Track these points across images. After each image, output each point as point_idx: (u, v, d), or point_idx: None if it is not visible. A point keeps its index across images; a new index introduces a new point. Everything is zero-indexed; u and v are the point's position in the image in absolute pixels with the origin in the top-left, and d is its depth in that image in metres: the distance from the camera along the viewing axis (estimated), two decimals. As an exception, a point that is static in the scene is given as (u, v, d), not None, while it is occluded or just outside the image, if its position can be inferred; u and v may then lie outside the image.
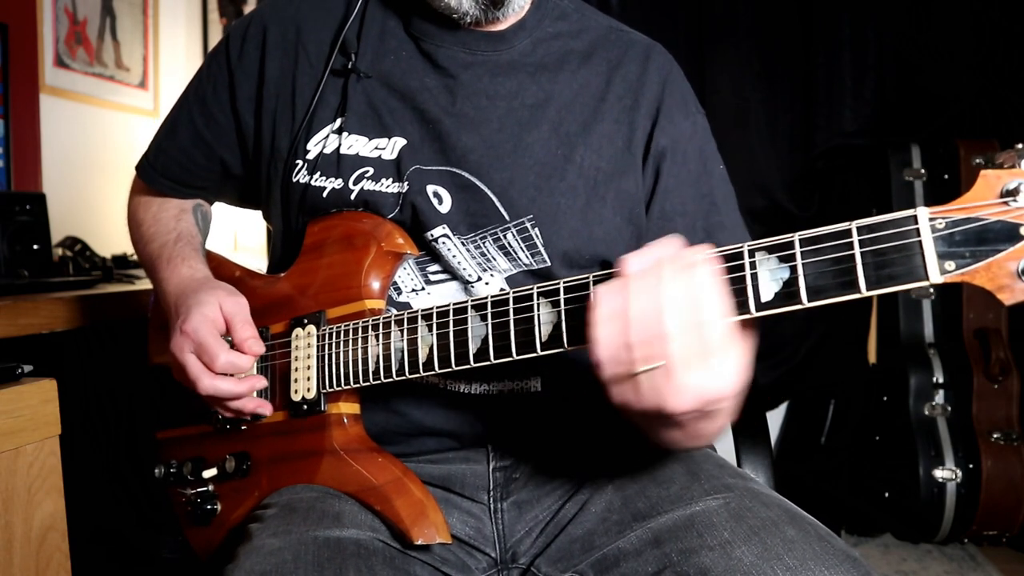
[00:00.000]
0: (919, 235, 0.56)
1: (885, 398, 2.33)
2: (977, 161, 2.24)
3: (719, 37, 2.49)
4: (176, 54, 2.80)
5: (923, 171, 2.33)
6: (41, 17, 2.19)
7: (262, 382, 0.90)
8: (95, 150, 2.40)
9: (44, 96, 2.19)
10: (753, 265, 0.62)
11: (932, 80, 2.39)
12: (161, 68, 2.71)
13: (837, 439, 2.48)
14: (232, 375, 0.89)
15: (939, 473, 2.17)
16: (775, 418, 2.63)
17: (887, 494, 2.27)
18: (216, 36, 2.84)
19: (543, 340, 0.72)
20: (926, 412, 2.23)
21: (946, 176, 2.29)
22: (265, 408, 0.91)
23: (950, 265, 0.56)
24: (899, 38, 2.42)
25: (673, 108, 0.95)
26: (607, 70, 0.96)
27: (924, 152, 2.34)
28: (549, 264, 0.90)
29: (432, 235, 0.90)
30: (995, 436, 2.14)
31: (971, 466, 2.15)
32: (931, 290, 2.26)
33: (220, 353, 0.86)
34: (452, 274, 0.91)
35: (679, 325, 0.59)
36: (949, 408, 2.22)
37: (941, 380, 2.24)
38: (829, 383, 2.54)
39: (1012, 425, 2.16)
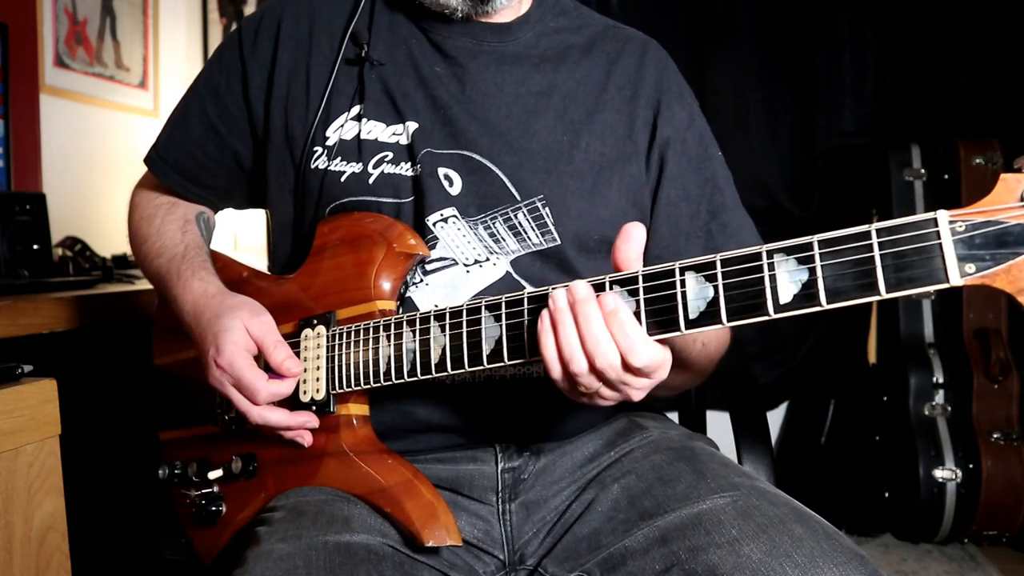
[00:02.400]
0: (939, 238, 0.56)
1: (885, 398, 2.33)
2: (977, 161, 2.25)
3: (719, 37, 2.50)
4: (176, 54, 2.80)
5: (923, 171, 2.34)
6: (41, 17, 2.19)
7: (313, 420, 0.88)
8: (95, 150, 2.39)
9: (44, 96, 2.19)
10: (772, 267, 0.62)
11: (932, 80, 2.39)
12: (161, 68, 2.71)
13: (837, 439, 2.48)
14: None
15: (939, 473, 2.17)
16: (775, 418, 2.64)
17: (887, 494, 2.27)
18: (216, 36, 2.84)
19: None
20: (926, 412, 2.23)
21: (946, 176, 2.29)
22: (305, 439, 0.89)
23: (970, 268, 0.56)
24: (899, 38, 2.43)
25: (672, 99, 0.99)
26: (606, 63, 1.00)
27: (924, 152, 2.35)
28: (559, 243, 0.91)
29: (442, 214, 0.91)
30: (995, 436, 2.15)
31: (971, 466, 2.15)
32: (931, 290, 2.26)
33: (260, 387, 0.85)
34: (452, 259, 0.92)
35: (604, 364, 0.66)
36: (949, 408, 2.22)
37: (941, 380, 2.24)
38: (829, 383, 2.54)
39: (1012, 425, 2.16)
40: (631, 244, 0.70)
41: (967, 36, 2.34)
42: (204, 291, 0.94)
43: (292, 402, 0.91)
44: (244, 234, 2.51)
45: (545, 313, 0.69)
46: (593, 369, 0.67)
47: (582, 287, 0.67)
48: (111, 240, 2.26)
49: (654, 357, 0.67)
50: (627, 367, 0.67)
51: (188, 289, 0.95)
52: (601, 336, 0.66)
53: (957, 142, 2.27)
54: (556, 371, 0.69)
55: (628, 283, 0.69)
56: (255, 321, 0.88)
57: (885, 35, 2.44)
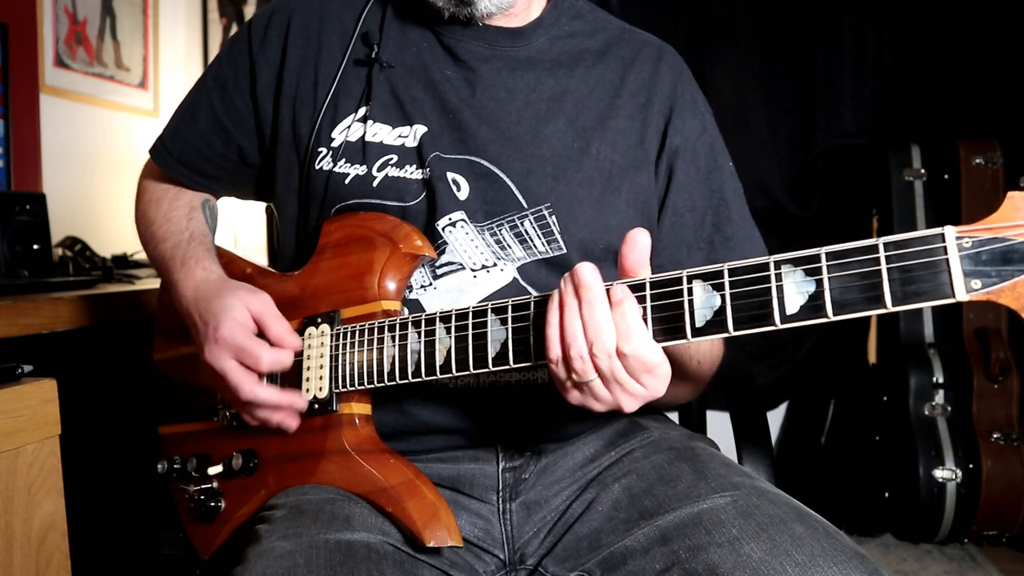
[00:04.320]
0: (946, 253, 0.57)
1: (885, 398, 2.33)
2: (977, 161, 2.25)
3: (719, 37, 2.50)
4: (176, 54, 2.80)
5: (923, 171, 2.34)
6: (41, 17, 2.19)
7: (301, 400, 0.88)
8: (95, 150, 2.40)
9: (44, 96, 2.19)
10: (779, 277, 0.63)
11: (932, 80, 2.40)
12: (161, 68, 2.71)
13: (837, 439, 2.48)
14: (274, 384, 0.90)
15: (939, 473, 2.17)
16: (775, 418, 2.64)
17: (887, 494, 2.27)
18: (216, 36, 2.84)
19: None
20: (926, 412, 2.23)
21: (946, 176, 2.29)
22: (292, 422, 0.89)
23: (976, 283, 0.57)
24: (899, 38, 2.43)
25: (684, 108, 0.99)
26: (621, 68, 0.99)
27: (924, 152, 2.35)
28: (565, 251, 0.91)
29: (451, 219, 0.90)
30: (995, 436, 2.15)
31: (971, 466, 2.15)
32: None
33: (263, 353, 0.85)
34: (460, 264, 0.92)
35: (602, 350, 0.66)
36: (949, 408, 2.22)
37: (941, 380, 2.24)
38: (829, 383, 2.54)
39: (1012, 425, 2.16)
40: (637, 251, 0.70)
41: (967, 37, 2.34)
42: (206, 278, 0.95)
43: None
44: (244, 232, 2.51)
45: (555, 295, 0.70)
46: (591, 353, 0.67)
47: (588, 273, 0.67)
48: (111, 240, 2.26)
49: (648, 352, 0.67)
50: (619, 353, 0.67)
51: (191, 275, 0.96)
52: (603, 321, 0.66)
53: (957, 142, 2.27)
54: (555, 351, 0.69)
55: (636, 290, 0.69)
56: (254, 299, 0.89)
57: (885, 35, 2.44)
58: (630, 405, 0.70)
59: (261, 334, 0.89)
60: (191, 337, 0.93)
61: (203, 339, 0.88)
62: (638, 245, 0.69)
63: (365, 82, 0.95)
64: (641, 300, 0.69)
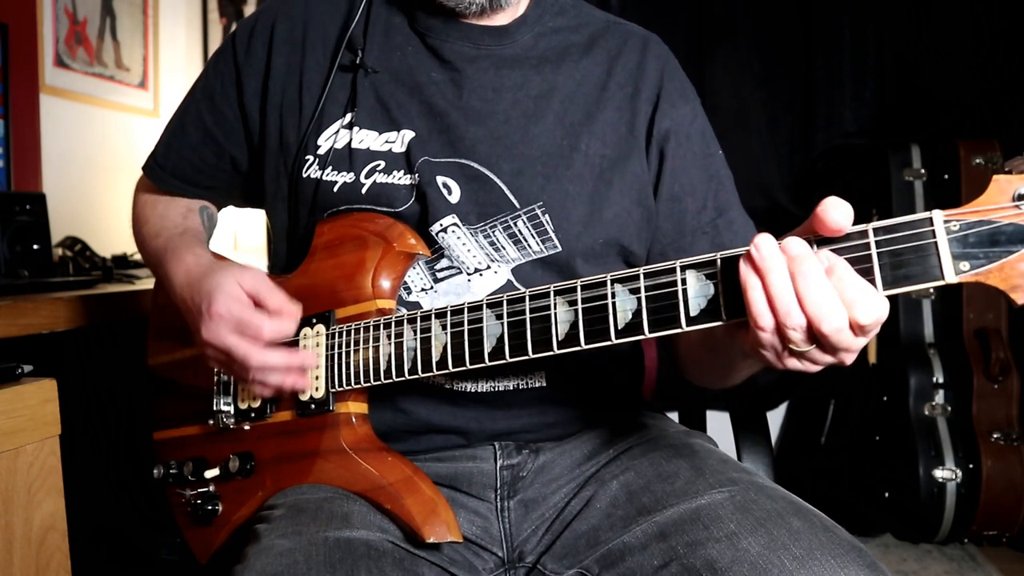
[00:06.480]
0: (935, 236, 0.58)
1: (885, 398, 2.33)
2: (977, 161, 2.25)
3: (719, 37, 2.50)
4: (176, 54, 2.80)
5: (923, 171, 2.33)
6: (41, 17, 2.19)
7: (311, 358, 0.87)
8: (95, 150, 2.40)
9: (44, 96, 2.19)
10: None
11: (932, 82, 2.39)
12: (161, 68, 2.71)
13: (837, 439, 2.48)
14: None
15: (939, 473, 2.17)
16: (775, 418, 2.63)
17: (887, 494, 2.27)
18: (216, 36, 2.84)
19: (560, 339, 0.72)
20: (926, 412, 2.23)
21: (946, 176, 2.29)
22: (304, 382, 0.87)
23: (964, 266, 0.58)
24: (899, 39, 2.43)
25: (673, 93, 0.98)
26: (607, 60, 0.98)
27: (924, 152, 2.35)
28: (560, 250, 0.91)
29: (442, 224, 0.90)
30: (995, 436, 2.15)
31: (971, 466, 2.15)
32: (931, 290, 2.26)
33: (264, 322, 0.83)
34: (457, 267, 0.92)
35: (830, 328, 0.58)
36: (949, 408, 2.22)
37: (941, 380, 2.24)
38: (829, 383, 2.54)
39: (1012, 425, 2.16)
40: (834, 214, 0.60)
41: (967, 38, 2.34)
42: (196, 262, 0.93)
43: (291, 401, 0.91)
44: (244, 234, 2.51)
45: (747, 263, 0.61)
46: (812, 331, 0.59)
47: (796, 243, 0.59)
48: (111, 240, 2.26)
49: (881, 312, 0.59)
50: (852, 325, 0.59)
51: (181, 262, 0.94)
52: (824, 297, 0.58)
53: (957, 142, 2.27)
54: (766, 320, 0.60)
55: (627, 281, 0.69)
56: (245, 273, 0.88)
57: (885, 36, 2.44)
58: (851, 359, 0.62)
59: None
60: (187, 331, 0.92)
61: (198, 320, 0.86)
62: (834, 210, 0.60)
63: (350, 88, 0.94)
64: (635, 291, 0.68)
